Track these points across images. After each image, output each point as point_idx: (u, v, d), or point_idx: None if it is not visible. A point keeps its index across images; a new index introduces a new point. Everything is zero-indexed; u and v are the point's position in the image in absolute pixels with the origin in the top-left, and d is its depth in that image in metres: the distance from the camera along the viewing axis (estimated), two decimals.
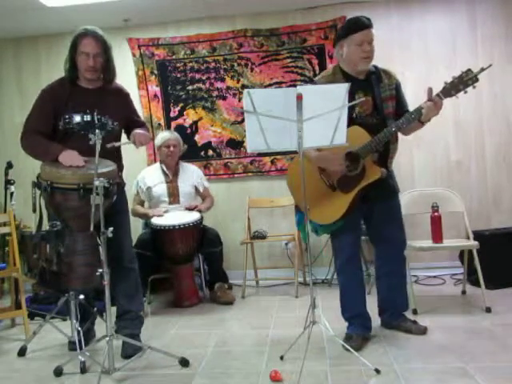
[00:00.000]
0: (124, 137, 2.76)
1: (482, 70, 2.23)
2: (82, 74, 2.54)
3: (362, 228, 2.73)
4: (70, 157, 2.38)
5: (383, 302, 2.70)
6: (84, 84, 2.57)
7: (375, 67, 2.55)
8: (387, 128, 2.39)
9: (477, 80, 2.25)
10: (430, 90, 2.33)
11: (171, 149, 3.80)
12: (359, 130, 2.41)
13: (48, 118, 2.50)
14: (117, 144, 2.53)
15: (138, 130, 2.59)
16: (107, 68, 2.57)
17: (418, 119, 2.37)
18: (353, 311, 2.59)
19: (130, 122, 2.71)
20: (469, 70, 2.26)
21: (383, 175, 2.44)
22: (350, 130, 2.31)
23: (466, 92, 2.29)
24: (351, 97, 2.30)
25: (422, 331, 2.63)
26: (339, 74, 2.51)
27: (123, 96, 2.72)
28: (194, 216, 3.55)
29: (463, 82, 2.26)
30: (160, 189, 3.78)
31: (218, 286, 3.66)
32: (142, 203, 3.87)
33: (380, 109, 2.48)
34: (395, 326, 2.70)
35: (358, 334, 2.52)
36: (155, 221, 3.52)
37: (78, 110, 2.48)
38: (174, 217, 3.56)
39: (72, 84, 2.56)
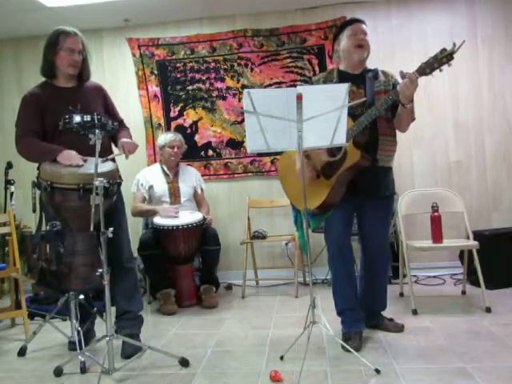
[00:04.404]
0: None
1: (455, 46, 2.22)
2: (62, 72, 2.57)
3: (352, 223, 2.70)
4: (68, 156, 2.38)
5: (363, 301, 2.68)
6: (62, 83, 2.60)
7: (375, 69, 2.58)
8: (368, 111, 2.40)
9: (452, 58, 2.23)
10: (402, 72, 2.35)
11: (175, 150, 3.80)
12: None
13: (38, 118, 2.51)
14: (110, 157, 2.52)
15: (125, 139, 2.58)
16: (85, 66, 2.63)
17: (399, 101, 2.37)
18: (344, 303, 2.58)
19: (110, 117, 2.71)
20: (443, 49, 2.26)
21: (366, 160, 2.42)
22: None
23: (441, 70, 2.28)
24: None
25: (400, 329, 2.68)
26: (334, 72, 2.60)
27: (102, 92, 2.74)
28: (196, 216, 3.56)
29: (438, 60, 2.27)
30: (161, 189, 3.78)
31: (204, 288, 3.60)
32: (143, 200, 3.81)
33: (370, 101, 2.47)
34: (373, 325, 2.72)
35: (356, 331, 2.52)
36: (158, 221, 3.51)
37: (62, 108, 2.47)
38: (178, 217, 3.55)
39: (50, 85, 2.58)
